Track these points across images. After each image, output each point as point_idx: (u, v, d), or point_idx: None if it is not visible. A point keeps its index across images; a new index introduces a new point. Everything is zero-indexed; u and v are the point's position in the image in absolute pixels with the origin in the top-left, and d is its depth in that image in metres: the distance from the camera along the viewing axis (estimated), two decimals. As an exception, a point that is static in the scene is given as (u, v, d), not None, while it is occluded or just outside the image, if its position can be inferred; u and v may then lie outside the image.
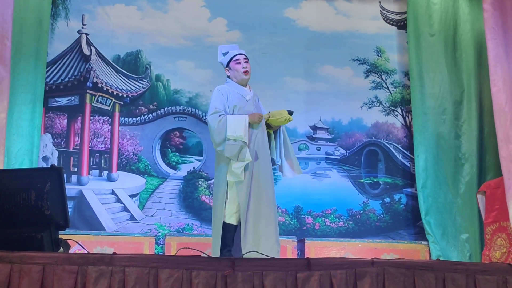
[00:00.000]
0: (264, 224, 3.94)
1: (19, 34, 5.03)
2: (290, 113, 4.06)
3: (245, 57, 4.23)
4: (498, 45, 4.07)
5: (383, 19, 6.26)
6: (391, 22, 6.26)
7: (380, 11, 6.26)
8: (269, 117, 4.08)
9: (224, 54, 4.27)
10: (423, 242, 5.24)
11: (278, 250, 3.97)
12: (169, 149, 5.79)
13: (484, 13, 4.45)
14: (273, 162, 4.23)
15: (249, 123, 3.99)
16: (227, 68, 4.25)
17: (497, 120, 4.22)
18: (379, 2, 6.26)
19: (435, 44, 5.67)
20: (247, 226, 3.90)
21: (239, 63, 4.19)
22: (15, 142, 4.97)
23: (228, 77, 4.27)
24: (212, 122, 4.03)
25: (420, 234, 5.65)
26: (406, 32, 6.04)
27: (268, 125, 4.16)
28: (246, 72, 4.17)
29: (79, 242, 3.18)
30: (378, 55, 6.17)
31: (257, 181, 3.99)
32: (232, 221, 3.97)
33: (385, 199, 5.88)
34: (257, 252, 3.47)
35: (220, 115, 4.02)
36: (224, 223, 3.96)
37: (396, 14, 6.26)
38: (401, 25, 6.25)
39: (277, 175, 5.64)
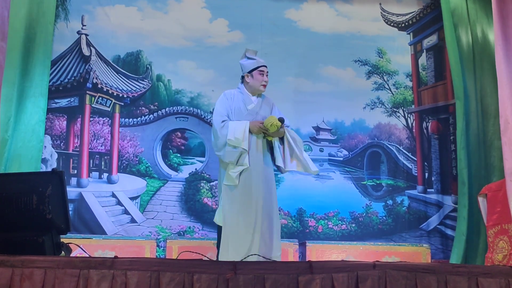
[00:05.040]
0: (264, 230, 3.94)
1: (27, 31, 5.09)
2: (281, 120, 4.02)
3: (267, 71, 4.25)
4: (501, 49, 4.04)
5: (384, 20, 6.26)
6: (392, 24, 6.26)
7: (381, 13, 6.26)
8: (264, 126, 4.05)
9: (250, 58, 4.26)
10: (424, 245, 5.22)
11: (278, 256, 3.96)
12: (171, 150, 5.77)
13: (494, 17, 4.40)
14: (280, 169, 4.20)
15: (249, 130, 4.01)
16: (248, 74, 4.23)
17: (502, 124, 4.19)
18: (380, 4, 6.26)
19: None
20: (246, 231, 3.90)
21: (262, 74, 4.20)
22: (21, 141, 4.99)
23: (242, 82, 4.26)
24: (214, 127, 4.07)
25: (423, 237, 5.64)
26: (407, 33, 6.03)
27: (266, 133, 4.11)
28: (264, 86, 4.21)
29: (81, 246, 3.17)
30: (379, 57, 6.17)
31: (255, 187, 3.98)
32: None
33: (387, 201, 5.87)
34: (258, 255, 3.46)
35: (223, 121, 4.04)
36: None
37: (397, 16, 6.26)
38: (402, 26, 6.25)
39: (280, 176, 5.66)
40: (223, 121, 4.04)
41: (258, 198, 3.96)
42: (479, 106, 5.50)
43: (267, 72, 4.24)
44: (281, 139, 4.16)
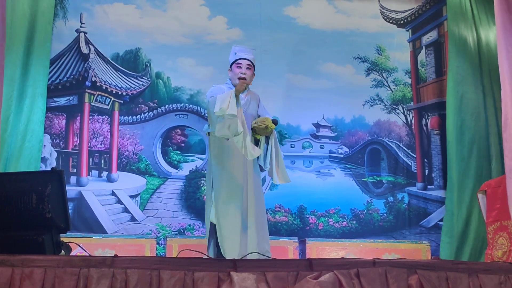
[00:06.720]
0: (258, 226, 3.94)
1: (26, 30, 5.11)
2: (275, 122, 3.93)
3: (249, 63, 4.08)
4: (503, 45, 4.02)
5: (383, 17, 6.26)
6: (390, 21, 6.26)
7: (380, 10, 6.26)
8: (255, 123, 3.98)
9: (235, 53, 4.15)
10: (424, 242, 5.23)
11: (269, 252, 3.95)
12: (171, 148, 5.76)
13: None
14: (261, 168, 4.13)
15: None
16: (230, 68, 4.15)
17: (503, 120, 4.18)
18: (379, 1, 6.26)
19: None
20: (246, 227, 3.91)
21: (240, 67, 4.06)
22: (20, 140, 5.00)
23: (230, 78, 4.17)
24: (207, 105, 4.00)
25: (423, 233, 5.65)
26: (406, 30, 6.04)
27: (254, 131, 4.02)
28: (241, 79, 4.01)
29: (81, 245, 3.17)
30: (378, 53, 6.18)
31: (242, 185, 3.94)
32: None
33: (388, 198, 5.88)
34: (258, 253, 3.46)
35: (211, 96, 3.94)
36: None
37: (396, 13, 6.26)
38: (401, 23, 6.25)
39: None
40: (211, 97, 3.93)
41: (247, 195, 3.92)
42: (488, 100, 5.52)
43: (248, 64, 4.06)
44: (267, 138, 4.07)
